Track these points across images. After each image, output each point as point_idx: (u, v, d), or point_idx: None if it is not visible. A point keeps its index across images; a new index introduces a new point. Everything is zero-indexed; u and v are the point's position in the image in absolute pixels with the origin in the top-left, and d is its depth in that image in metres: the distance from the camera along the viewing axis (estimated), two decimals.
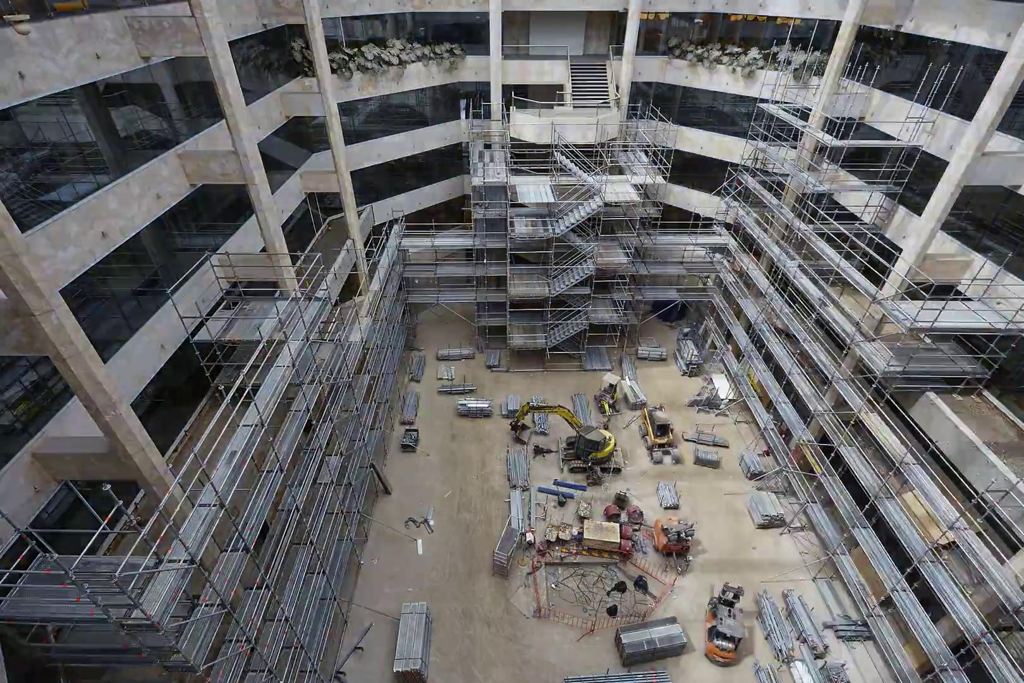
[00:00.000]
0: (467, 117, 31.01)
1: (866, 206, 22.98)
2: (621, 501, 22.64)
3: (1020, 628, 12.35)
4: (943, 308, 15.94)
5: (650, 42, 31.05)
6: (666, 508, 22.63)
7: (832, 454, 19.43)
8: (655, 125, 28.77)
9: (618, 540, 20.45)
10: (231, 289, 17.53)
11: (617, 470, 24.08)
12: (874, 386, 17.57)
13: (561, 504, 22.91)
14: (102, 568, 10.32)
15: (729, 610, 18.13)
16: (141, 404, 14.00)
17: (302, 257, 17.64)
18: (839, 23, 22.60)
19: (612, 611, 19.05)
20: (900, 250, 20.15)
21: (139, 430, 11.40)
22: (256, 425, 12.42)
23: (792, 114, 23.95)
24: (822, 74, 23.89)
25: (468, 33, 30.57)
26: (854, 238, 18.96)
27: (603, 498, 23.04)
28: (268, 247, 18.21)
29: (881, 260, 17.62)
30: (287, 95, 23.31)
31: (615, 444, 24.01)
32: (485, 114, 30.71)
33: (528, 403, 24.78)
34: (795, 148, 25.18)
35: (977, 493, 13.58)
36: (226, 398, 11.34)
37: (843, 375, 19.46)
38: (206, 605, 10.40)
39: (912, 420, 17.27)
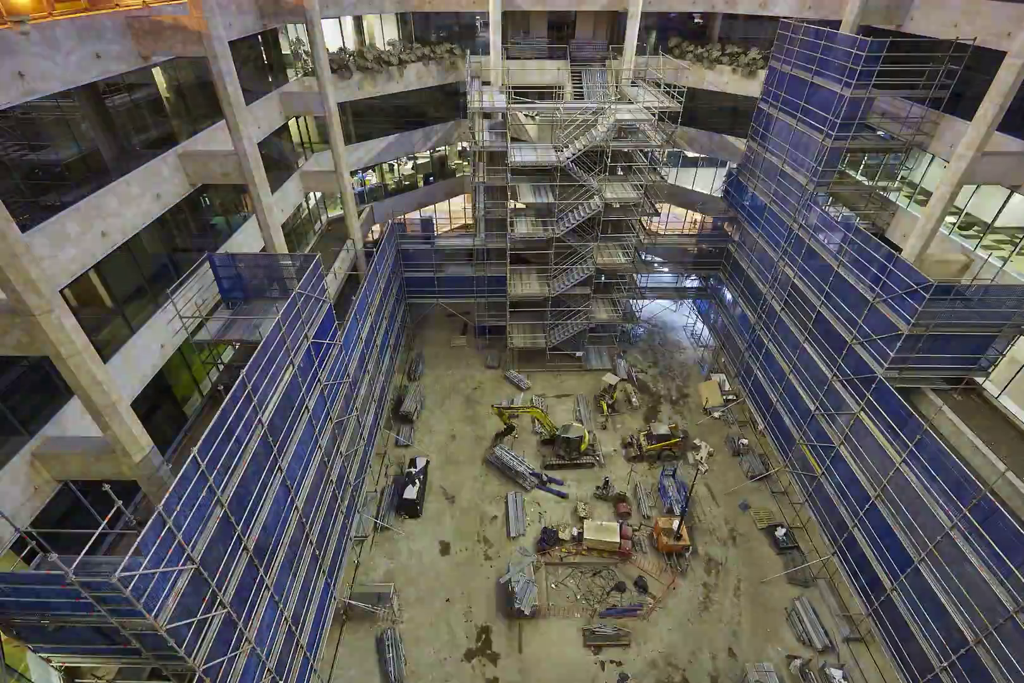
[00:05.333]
0: (466, 117, 31.00)
1: (866, 206, 23.03)
2: (621, 500, 22.66)
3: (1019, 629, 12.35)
4: (943, 308, 15.98)
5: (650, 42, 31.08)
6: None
7: (832, 454, 19.44)
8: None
9: (618, 540, 20.46)
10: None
11: (591, 465, 24.34)
12: (873, 386, 17.57)
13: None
14: (102, 568, 10.32)
15: None
16: (141, 404, 13.99)
17: (302, 257, 17.63)
18: (839, 23, 22.65)
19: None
20: (900, 250, 20.19)
21: (139, 430, 11.41)
22: (256, 425, 12.41)
23: (791, 114, 23.92)
24: None
25: (468, 33, 30.58)
26: (853, 237, 18.96)
27: (601, 498, 23.08)
28: (268, 247, 18.22)
29: (881, 259, 17.61)
30: (287, 95, 23.30)
31: (589, 437, 24.45)
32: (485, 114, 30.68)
33: (495, 405, 24.88)
34: None
35: (977, 493, 13.56)
36: (226, 398, 11.33)
37: (842, 375, 19.46)
38: (206, 605, 10.39)
39: (911, 420, 17.24)
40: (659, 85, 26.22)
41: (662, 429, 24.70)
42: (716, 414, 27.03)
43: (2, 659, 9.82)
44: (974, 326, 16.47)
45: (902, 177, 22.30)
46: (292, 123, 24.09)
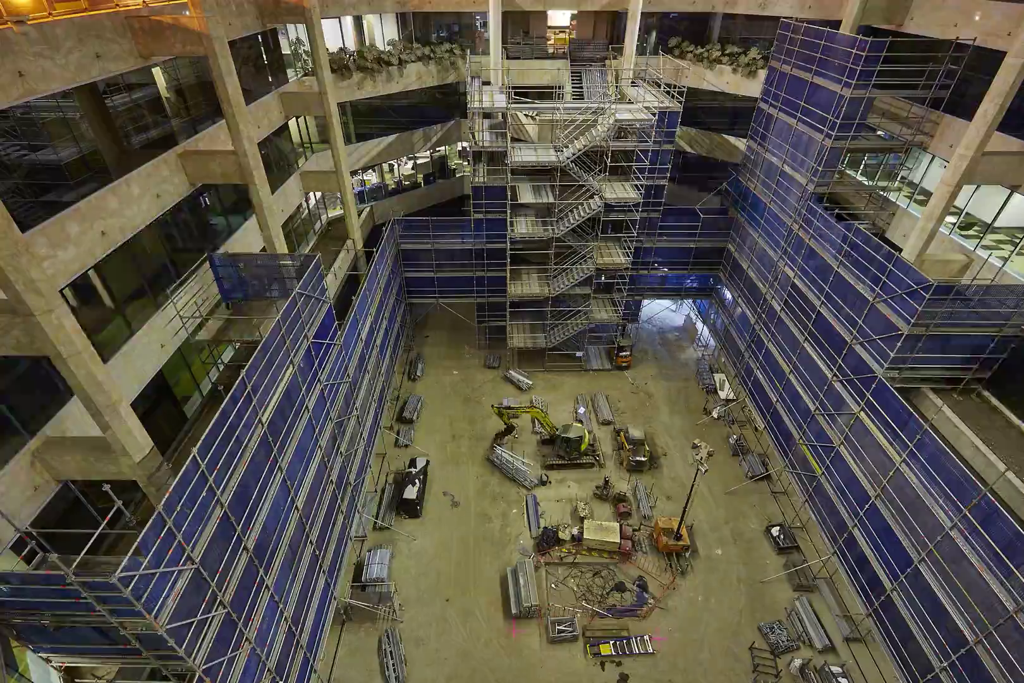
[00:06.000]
0: (466, 117, 31.03)
1: (866, 206, 23.02)
2: (621, 500, 22.65)
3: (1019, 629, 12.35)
4: (943, 308, 15.98)
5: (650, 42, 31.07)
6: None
7: (832, 454, 19.43)
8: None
9: (618, 540, 20.45)
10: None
11: (591, 465, 24.41)
12: (874, 386, 17.56)
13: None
14: (102, 568, 10.32)
15: None
16: (141, 404, 13.98)
17: (302, 257, 17.63)
18: (839, 23, 22.63)
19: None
20: (900, 250, 20.18)
21: (139, 430, 11.40)
22: (256, 425, 12.41)
23: (791, 114, 23.91)
24: None
25: (468, 33, 30.57)
26: (854, 238, 18.95)
27: (601, 498, 23.07)
28: (268, 247, 18.21)
29: (881, 260, 17.61)
30: (287, 95, 23.26)
31: (589, 436, 24.50)
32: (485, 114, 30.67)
33: (495, 405, 24.86)
34: None
35: (977, 493, 13.56)
36: (226, 398, 11.33)
37: (842, 375, 19.45)
38: (206, 605, 10.40)
39: (911, 420, 17.24)
40: (659, 85, 26.21)
41: (637, 433, 24.73)
42: (716, 414, 27.02)
43: (2, 659, 9.81)
44: (974, 326, 16.48)
45: (902, 177, 22.29)
46: (292, 123, 24.04)
